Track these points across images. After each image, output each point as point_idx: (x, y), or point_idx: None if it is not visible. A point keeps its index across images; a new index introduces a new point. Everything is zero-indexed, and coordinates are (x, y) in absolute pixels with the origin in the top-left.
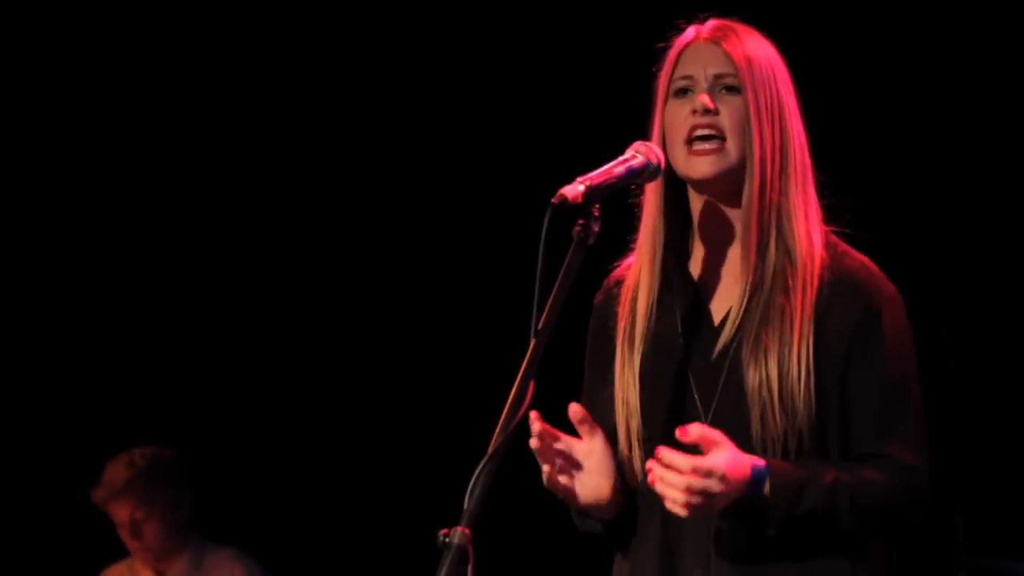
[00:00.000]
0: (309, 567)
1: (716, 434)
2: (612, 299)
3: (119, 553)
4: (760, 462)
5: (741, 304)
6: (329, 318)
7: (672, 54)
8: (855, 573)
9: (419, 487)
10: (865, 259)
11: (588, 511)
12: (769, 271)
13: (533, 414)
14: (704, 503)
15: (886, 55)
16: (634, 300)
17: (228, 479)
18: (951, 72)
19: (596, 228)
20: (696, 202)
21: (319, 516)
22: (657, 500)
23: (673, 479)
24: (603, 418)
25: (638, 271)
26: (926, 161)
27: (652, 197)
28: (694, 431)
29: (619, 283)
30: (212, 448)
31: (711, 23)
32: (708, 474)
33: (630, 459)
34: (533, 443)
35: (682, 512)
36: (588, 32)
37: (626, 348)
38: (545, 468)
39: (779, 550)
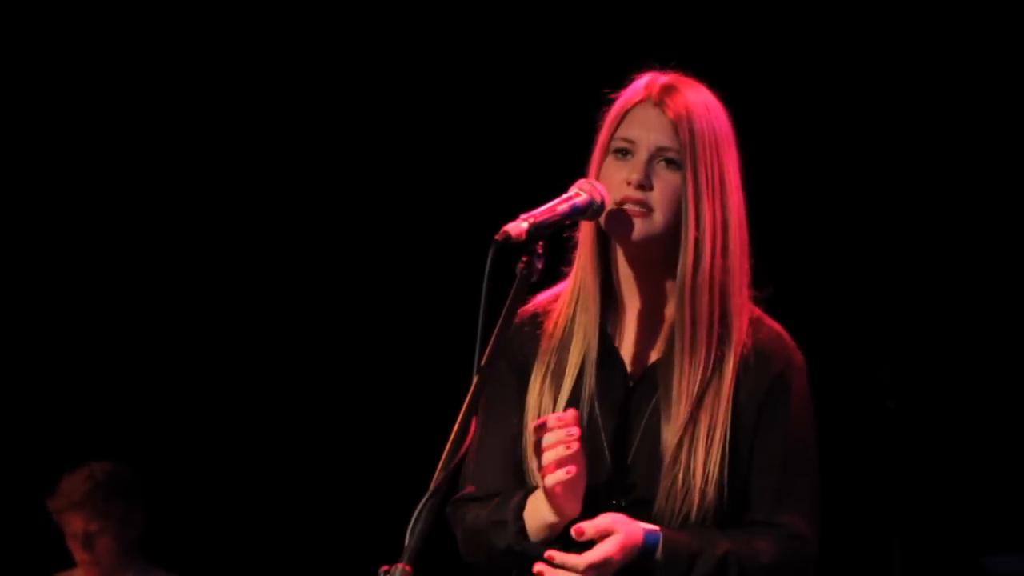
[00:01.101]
0: None
1: (607, 522)
2: (529, 332)
3: (65, 562)
4: (654, 530)
5: (667, 372)
6: (267, 360)
7: (618, 110)
8: None
9: (361, 524)
10: (777, 326)
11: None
12: (703, 345)
13: (572, 413)
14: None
15: (807, 107)
16: (563, 341)
17: (174, 503)
18: (877, 118)
19: (539, 265)
20: (621, 266)
21: (261, 549)
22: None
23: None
24: (499, 451)
25: (571, 306)
26: (867, 200)
27: (586, 253)
28: (588, 532)
29: (537, 316)
30: (163, 471)
31: (663, 80)
32: (604, 565)
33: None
34: (576, 445)
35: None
36: (530, 71)
37: (550, 388)
38: (573, 470)
39: None
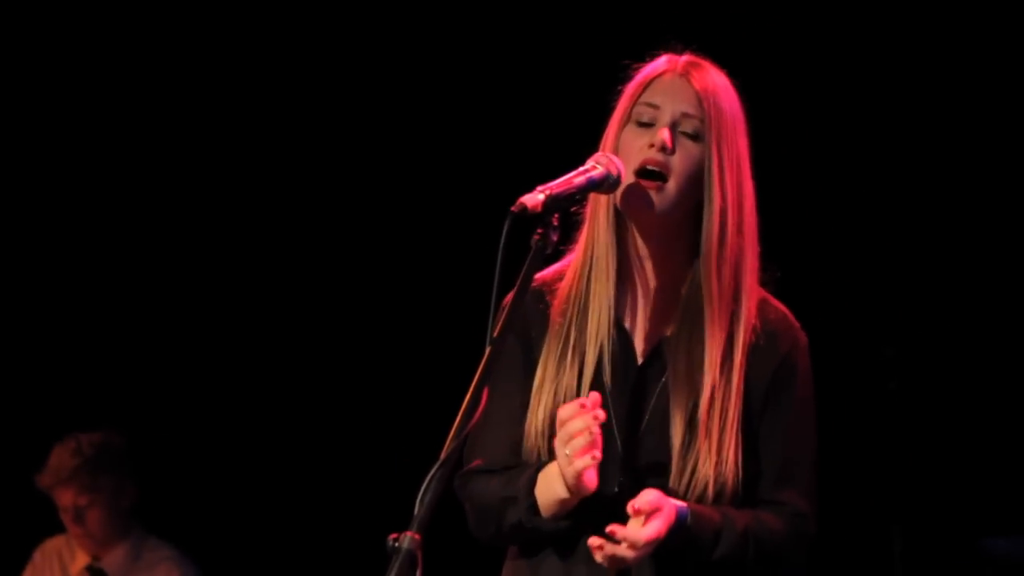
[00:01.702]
0: (254, 570)
1: (655, 499)
2: (533, 308)
3: (56, 527)
4: (683, 507)
5: (678, 350)
6: (276, 318)
7: (642, 78)
8: None
9: (370, 491)
10: (783, 307)
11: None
12: (719, 347)
13: (597, 397)
14: (633, 557)
15: (818, 94)
16: (580, 313)
17: (176, 473)
18: (887, 99)
19: (555, 237)
20: (634, 238)
21: (266, 517)
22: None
23: (626, 553)
24: (502, 426)
25: (583, 281)
26: (873, 180)
27: (603, 226)
28: (644, 509)
29: (543, 293)
30: (162, 439)
31: (686, 57)
32: (657, 542)
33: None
34: (596, 428)
35: (604, 563)
36: (547, 46)
37: (573, 362)
38: (599, 455)
39: None
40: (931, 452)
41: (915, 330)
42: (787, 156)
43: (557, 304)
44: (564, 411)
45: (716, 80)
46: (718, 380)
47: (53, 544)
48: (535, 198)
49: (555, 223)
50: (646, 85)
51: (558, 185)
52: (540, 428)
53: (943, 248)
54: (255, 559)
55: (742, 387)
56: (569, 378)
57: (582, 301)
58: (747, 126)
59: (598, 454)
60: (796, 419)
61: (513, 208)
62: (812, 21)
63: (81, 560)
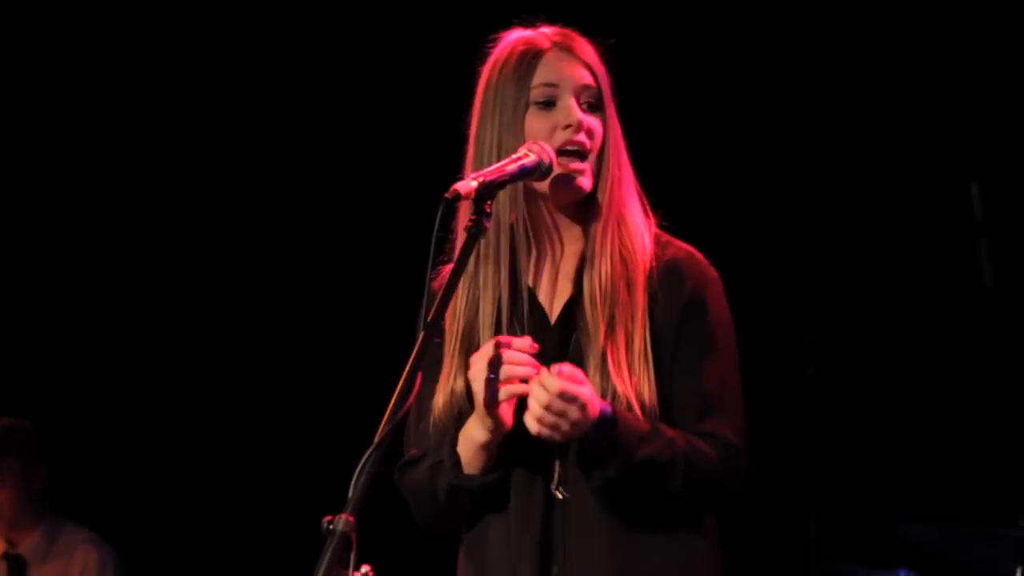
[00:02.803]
0: (183, 553)
1: (580, 374)
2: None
3: None
4: (608, 406)
5: (583, 303)
6: (202, 296)
7: (524, 57)
8: (704, 551)
9: (303, 476)
10: (689, 247)
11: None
12: (611, 272)
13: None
14: (556, 425)
15: (738, 51)
16: (471, 305)
17: (92, 457)
18: (813, 78)
19: (487, 224)
20: (541, 210)
21: (192, 501)
22: (500, 499)
23: (540, 395)
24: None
25: (472, 279)
26: (789, 169)
27: (506, 202)
28: (567, 369)
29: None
30: (77, 424)
31: (556, 29)
32: (571, 400)
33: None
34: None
35: (534, 427)
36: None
37: (459, 354)
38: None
39: (635, 526)
40: (849, 438)
41: (833, 317)
42: (705, 144)
43: (456, 299)
44: (518, 342)
45: (590, 46)
46: (624, 325)
47: None
48: (468, 185)
49: (487, 210)
50: (532, 65)
51: (491, 172)
52: (445, 408)
53: (859, 236)
54: (186, 542)
55: (645, 326)
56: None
57: (475, 288)
58: None
59: (527, 388)
60: (712, 352)
61: (447, 195)
62: None
63: None
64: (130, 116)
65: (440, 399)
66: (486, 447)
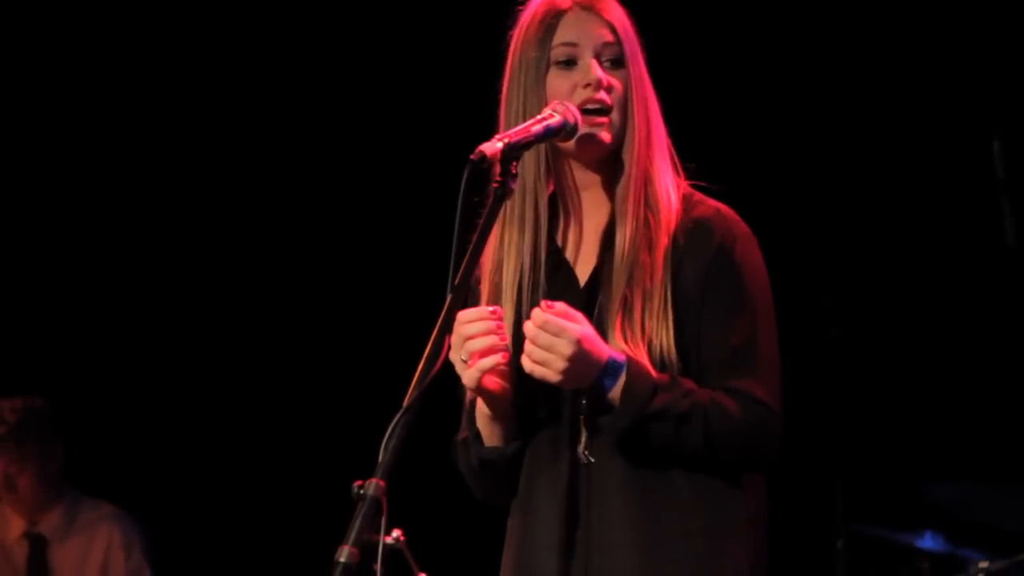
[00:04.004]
0: (209, 521)
1: (579, 315)
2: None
3: None
4: (620, 355)
5: (609, 265)
6: (224, 263)
7: (545, 19)
8: (736, 515)
9: (333, 439)
10: (719, 204)
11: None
12: (634, 233)
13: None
14: (547, 361)
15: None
16: (495, 270)
17: (113, 429)
18: (828, 52)
19: (513, 185)
20: (572, 172)
21: (222, 468)
22: (530, 468)
23: (527, 329)
24: None
25: (496, 243)
26: (810, 129)
27: (532, 164)
28: (559, 306)
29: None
30: (99, 396)
31: None
32: (558, 332)
33: None
34: (499, 333)
35: (526, 365)
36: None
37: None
38: (505, 357)
39: (662, 490)
40: (871, 399)
41: (854, 278)
42: (730, 107)
43: (483, 263)
44: (464, 315)
45: (616, 5)
46: (643, 285)
47: None
48: (494, 146)
49: (514, 171)
50: (552, 26)
51: (516, 133)
52: None
53: (880, 195)
54: (214, 509)
55: (666, 285)
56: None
57: (499, 252)
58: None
59: (505, 356)
60: (741, 308)
61: (472, 156)
62: None
63: (16, 527)
64: (152, 113)
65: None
66: (495, 420)
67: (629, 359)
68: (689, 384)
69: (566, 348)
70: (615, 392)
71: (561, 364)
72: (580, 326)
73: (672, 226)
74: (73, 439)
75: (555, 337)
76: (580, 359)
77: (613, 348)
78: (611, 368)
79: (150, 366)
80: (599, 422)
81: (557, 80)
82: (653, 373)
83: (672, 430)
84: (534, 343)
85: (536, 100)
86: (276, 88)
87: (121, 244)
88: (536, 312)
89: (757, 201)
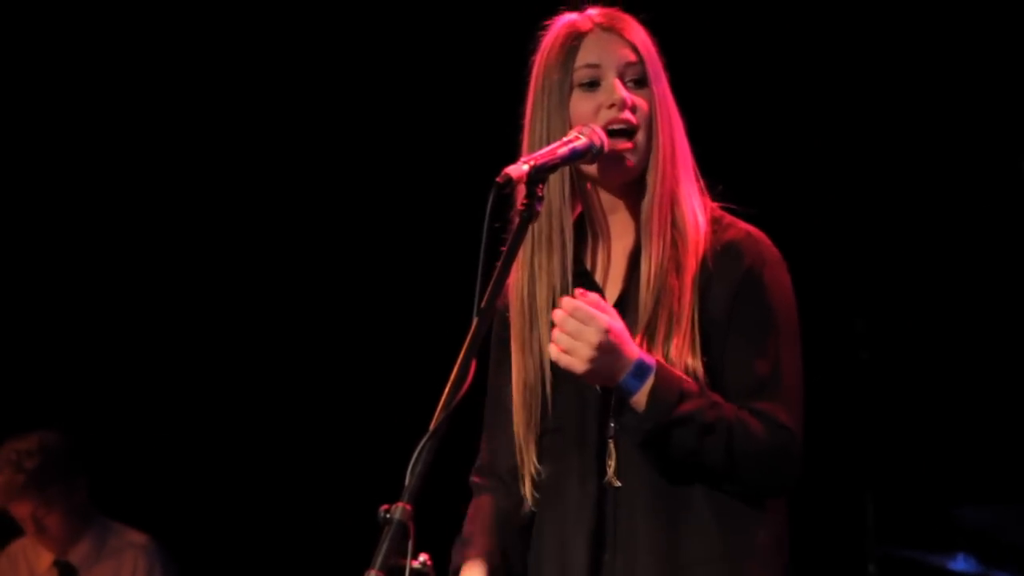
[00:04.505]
0: (236, 546)
1: (610, 308)
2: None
3: (16, 531)
4: (650, 357)
5: (636, 288)
6: (246, 284)
7: (567, 41)
8: (760, 541)
9: (359, 464)
10: (750, 227)
11: None
12: (660, 255)
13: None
14: (574, 349)
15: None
16: (531, 295)
17: (140, 454)
18: (858, 69)
19: (539, 208)
20: (597, 194)
21: (248, 492)
22: (556, 493)
23: (556, 315)
24: (502, 421)
25: (527, 268)
26: (847, 155)
27: (556, 192)
28: (591, 296)
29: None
30: (119, 422)
31: (600, 10)
32: (586, 320)
33: (526, 448)
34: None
35: (552, 353)
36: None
37: (527, 338)
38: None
39: (689, 514)
40: (903, 422)
41: (885, 301)
42: (759, 129)
43: (512, 288)
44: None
45: (638, 25)
46: (670, 308)
47: (17, 546)
48: (519, 169)
49: (539, 193)
50: (574, 48)
51: (542, 155)
52: (519, 405)
53: (911, 217)
54: (242, 532)
55: (693, 308)
56: (538, 344)
57: (530, 277)
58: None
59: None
60: (768, 333)
61: (498, 179)
62: None
63: (46, 558)
64: (191, 117)
65: (515, 390)
66: None
67: (658, 363)
68: (716, 397)
69: (594, 336)
70: (641, 394)
71: (588, 352)
72: (611, 317)
73: (701, 248)
74: (90, 462)
75: (583, 325)
76: (608, 350)
77: (643, 351)
78: (639, 369)
79: (171, 391)
80: (623, 423)
81: (581, 102)
82: (682, 379)
83: (695, 439)
84: (562, 329)
85: (560, 122)
86: (306, 110)
87: (140, 264)
88: (566, 299)
89: (789, 223)
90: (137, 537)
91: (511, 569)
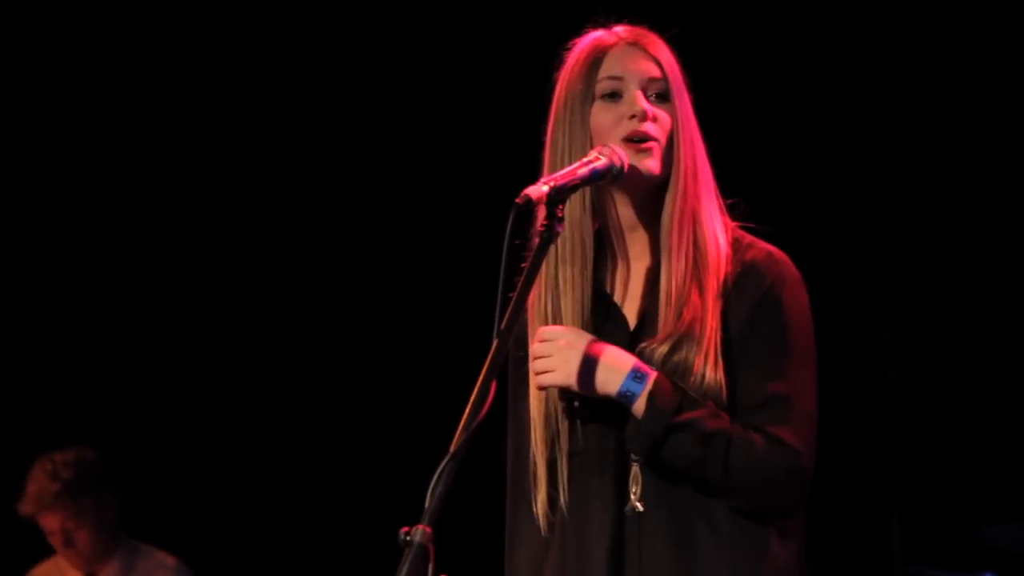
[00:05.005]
0: (260, 569)
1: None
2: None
3: (44, 551)
4: (649, 369)
5: (656, 304)
6: (270, 316)
7: (591, 54)
8: (780, 567)
9: (380, 486)
10: (771, 247)
11: None
12: (683, 271)
13: None
14: (548, 364)
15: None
16: (555, 310)
17: (167, 475)
18: (879, 87)
19: (560, 229)
20: (616, 209)
21: (268, 517)
22: (576, 517)
23: (532, 350)
24: (524, 450)
25: (551, 284)
26: (873, 167)
27: (576, 206)
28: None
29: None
30: (154, 444)
31: (626, 27)
32: (552, 337)
33: (545, 476)
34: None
35: (535, 382)
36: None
37: None
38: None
39: (709, 539)
40: (929, 440)
41: (912, 317)
42: (782, 145)
43: (533, 306)
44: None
45: (663, 43)
46: (697, 324)
47: (42, 570)
48: (539, 189)
49: (560, 214)
50: (597, 61)
51: (562, 176)
52: (539, 426)
53: (939, 234)
54: (263, 558)
55: (716, 330)
56: None
57: (555, 293)
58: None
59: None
60: (783, 353)
61: (518, 200)
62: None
63: None
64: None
65: (533, 410)
66: None
67: (659, 373)
68: (722, 413)
69: (560, 339)
70: (640, 400)
71: (554, 362)
72: (585, 334)
73: (721, 270)
74: (122, 484)
75: (550, 342)
76: (578, 353)
77: (639, 361)
78: (636, 374)
79: (193, 411)
80: (627, 433)
81: (601, 113)
82: (683, 389)
83: (698, 446)
84: (536, 356)
85: (581, 134)
86: (330, 127)
87: (162, 276)
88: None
89: (813, 233)
90: (167, 559)
91: None
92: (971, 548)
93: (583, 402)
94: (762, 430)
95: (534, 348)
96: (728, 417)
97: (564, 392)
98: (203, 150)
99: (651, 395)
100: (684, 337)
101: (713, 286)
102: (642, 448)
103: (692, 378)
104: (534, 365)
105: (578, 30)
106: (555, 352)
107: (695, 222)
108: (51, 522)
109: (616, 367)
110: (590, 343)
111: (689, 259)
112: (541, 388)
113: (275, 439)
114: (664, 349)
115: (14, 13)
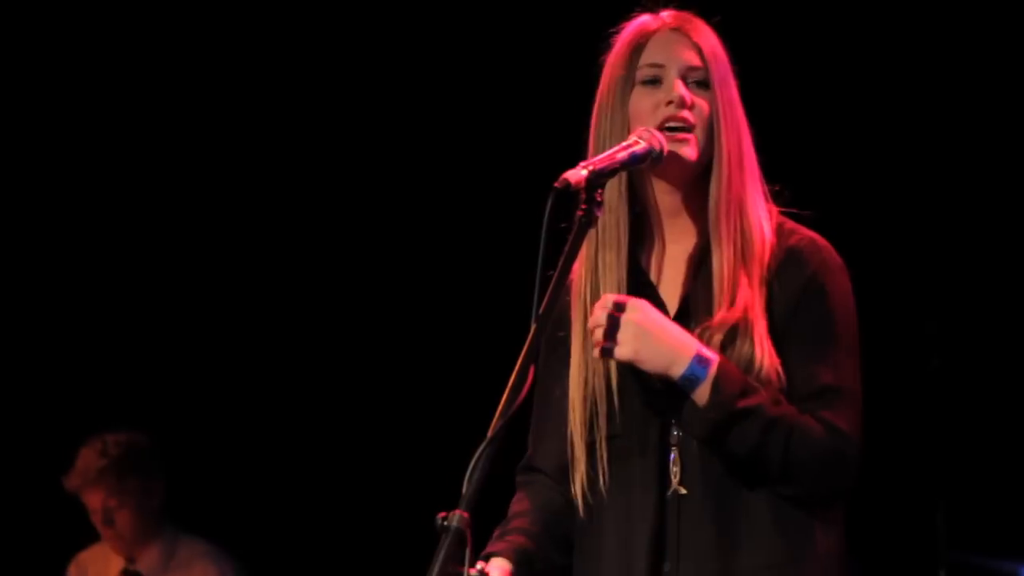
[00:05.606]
0: (299, 555)
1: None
2: (567, 297)
3: (91, 537)
4: (712, 353)
5: (703, 291)
6: (316, 300)
7: (634, 40)
8: (820, 550)
9: (418, 471)
10: (813, 234)
11: None
12: (733, 258)
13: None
14: (608, 334)
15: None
16: (594, 292)
17: (206, 466)
18: (953, 74)
19: (599, 213)
20: (655, 194)
21: (307, 503)
22: (616, 500)
23: (595, 309)
24: (549, 419)
25: (591, 266)
26: (917, 157)
27: (613, 190)
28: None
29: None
30: (191, 434)
31: (672, 12)
32: (619, 307)
33: (584, 457)
34: None
35: (596, 351)
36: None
37: (587, 340)
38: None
39: (750, 522)
40: (974, 429)
41: (958, 304)
42: (827, 130)
43: (575, 287)
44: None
45: (708, 29)
46: (750, 310)
47: (87, 556)
48: (578, 174)
49: (599, 198)
50: (640, 47)
51: (601, 160)
52: (578, 408)
53: (987, 219)
54: (301, 540)
55: (764, 314)
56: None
57: (594, 275)
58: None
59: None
60: (828, 340)
61: (556, 184)
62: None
63: (116, 566)
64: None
65: (573, 390)
66: None
67: (721, 357)
68: (781, 398)
69: (632, 313)
70: (704, 386)
71: (626, 334)
72: (640, 303)
73: (766, 256)
74: (172, 474)
75: (620, 314)
76: (653, 330)
77: (702, 344)
78: (700, 359)
79: (238, 404)
80: (686, 416)
81: (640, 98)
82: (743, 374)
83: (758, 433)
84: (599, 324)
85: (621, 119)
86: (363, 117)
87: (222, 264)
88: (602, 297)
89: (856, 219)
90: (205, 547)
91: (542, 563)
92: (1017, 535)
93: (632, 380)
94: (817, 416)
95: (596, 315)
96: (787, 402)
97: (617, 367)
98: (232, 146)
99: (715, 380)
100: (739, 324)
101: (757, 273)
102: (704, 433)
103: (749, 364)
104: (596, 333)
105: (627, 13)
106: (624, 325)
107: (741, 210)
108: (93, 499)
109: (681, 350)
110: (658, 321)
111: (737, 246)
112: (603, 357)
113: (311, 422)
114: (720, 336)
115: (14, 13)
